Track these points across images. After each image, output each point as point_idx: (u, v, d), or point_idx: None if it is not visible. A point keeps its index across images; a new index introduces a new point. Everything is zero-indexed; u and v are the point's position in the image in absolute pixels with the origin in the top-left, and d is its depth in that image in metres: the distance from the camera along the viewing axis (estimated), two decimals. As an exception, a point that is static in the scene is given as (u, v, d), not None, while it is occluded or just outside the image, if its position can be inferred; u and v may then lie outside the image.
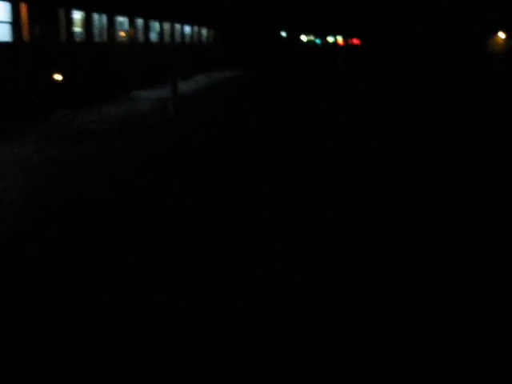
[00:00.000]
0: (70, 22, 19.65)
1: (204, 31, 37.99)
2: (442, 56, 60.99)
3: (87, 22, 20.82)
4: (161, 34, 28.86)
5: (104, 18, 22.26)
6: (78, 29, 20.45)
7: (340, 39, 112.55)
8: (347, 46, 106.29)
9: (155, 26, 28.31)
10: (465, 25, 67.06)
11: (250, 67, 44.05)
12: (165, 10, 29.37)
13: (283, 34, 76.28)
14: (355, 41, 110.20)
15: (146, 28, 26.75)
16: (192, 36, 34.73)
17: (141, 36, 26.29)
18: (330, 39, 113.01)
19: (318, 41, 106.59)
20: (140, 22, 26.07)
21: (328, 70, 41.74)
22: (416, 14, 78.03)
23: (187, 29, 33.71)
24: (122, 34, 24.25)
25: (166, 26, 30.03)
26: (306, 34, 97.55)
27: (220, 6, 43.17)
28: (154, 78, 27.14)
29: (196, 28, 35.58)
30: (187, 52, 33.80)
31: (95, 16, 21.58)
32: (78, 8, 20.21)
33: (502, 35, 61.30)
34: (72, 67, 19.90)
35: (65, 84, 19.56)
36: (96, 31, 21.76)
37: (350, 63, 49.61)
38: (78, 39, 20.45)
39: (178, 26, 31.79)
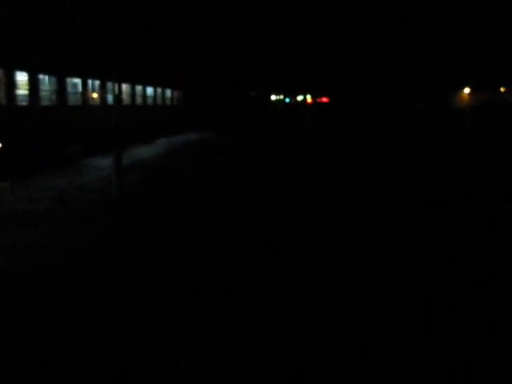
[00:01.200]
0: (11, 83, 17.70)
1: (168, 92, 36.48)
2: (407, 111, 61.03)
3: (32, 84, 18.89)
4: (118, 95, 27.10)
5: (52, 79, 20.39)
6: (21, 91, 18.51)
7: (309, 98, 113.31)
8: (316, 104, 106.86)
9: (112, 86, 26.58)
10: (429, 79, 67.38)
11: (217, 128, 42.59)
12: (123, 70, 27.75)
13: (252, 93, 75.77)
14: (324, 99, 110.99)
15: (101, 88, 24.96)
16: (154, 97, 33.12)
17: (94, 97, 24.47)
18: (300, 98, 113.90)
19: (287, 100, 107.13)
20: (94, 82, 24.29)
21: (296, 129, 40.87)
22: (379, 72, 78.69)
23: (149, 90, 32.12)
24: (75, 94, 22.37)
25: (125, 87, 28.36)
26: (276, 92, 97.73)
27: (187, 66, 41.97)
28: (109, 143, 25.16)
29: (159, 89, 34.04)
30: (149, 114, 32.10)
31: (42, 77, 19.71)
32: (22, 69, 18.32)
33: (466, 91, 61.57)
34: (13, 133, 17.83)
35: (4, 153, 17.44)
36: (43, 93, 19.83)
37: (317, 122, 49.67)
38: (20, 102, 18.47)
39: (138, 88, 30.15)
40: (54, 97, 20.55)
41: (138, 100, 30.14)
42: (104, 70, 24.50)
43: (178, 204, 11.21)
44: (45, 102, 20.04)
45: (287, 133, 36.52)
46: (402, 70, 71.81)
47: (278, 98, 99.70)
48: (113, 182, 12.08)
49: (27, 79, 18.65)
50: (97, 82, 24.47)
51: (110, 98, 26.15)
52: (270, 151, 23.42)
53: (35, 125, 19.16)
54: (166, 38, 35.38)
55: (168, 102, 36.45)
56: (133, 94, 28.98)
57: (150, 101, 32.24)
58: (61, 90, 20.90)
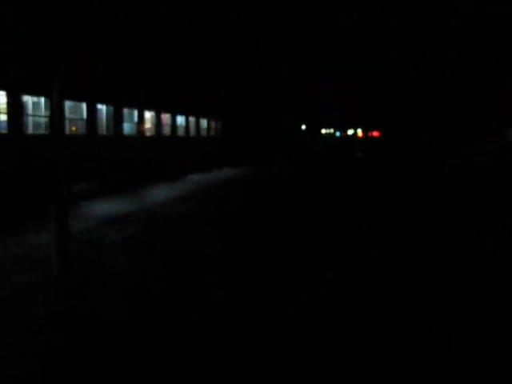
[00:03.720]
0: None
1: (203, 122, 32.03)
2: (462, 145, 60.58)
3: (12, 106, 14.52)
4: (139, 124, 22.66)
5: (46, 101, 16.02)
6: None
7: (360, 132, 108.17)
8: (367, 138, 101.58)
9: (132, 114, 22.16)
10: (483, 116, 66.36)
11: (260, 163, 37.87)
12: (150, 95, 23.40)
13: (303, 127, 71.16)
14: (375, 133, 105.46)
15: (117, 116, 20.51)
16: (187, 127, 28.66)
17: (110, 125, 20.01)
18: (350, 132, 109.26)
19: (337, 133, 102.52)
20: (108, 108, 19.86)
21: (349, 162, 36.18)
22: (434, 108, 74.67)
23: (179, 119, 27.70)
24: (79, 121, 17.95)
25: (149, 115, 23.98)
26: (326, 127, 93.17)
27: (226, 93, 37.64)
28: (126, 181, 20.61)
29: (192, 118, 29.60)
30: (179, 146, 27.60)
31: (27, 99, 15.37)
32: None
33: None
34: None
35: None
36: (30, 118, 15.46)
37: (368, 155, 47.12)
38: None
39: (165, 116, 25.75)
40: (46, 123, 16.16)
41: (166, 131, 25.71)
42: (118, 93, 20.19)
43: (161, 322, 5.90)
44: (34, 130, 15.67)
45: (336, 172, 31.42)
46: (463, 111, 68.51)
47: (328, 131, 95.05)
48: (54, 263, 7.27)
49: (6, 100, 14.32)
50: (108, 107, 20.11)
51: (126, 126, 21.78)
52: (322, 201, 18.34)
53: (15, 160, 14.72)
54: (203, 63, 31.20)
55: (203, 133, 32.00)
56: (158, 123, 24.56)
57: (180, 132, 27.80)
58: (55, 114, 16.49)
